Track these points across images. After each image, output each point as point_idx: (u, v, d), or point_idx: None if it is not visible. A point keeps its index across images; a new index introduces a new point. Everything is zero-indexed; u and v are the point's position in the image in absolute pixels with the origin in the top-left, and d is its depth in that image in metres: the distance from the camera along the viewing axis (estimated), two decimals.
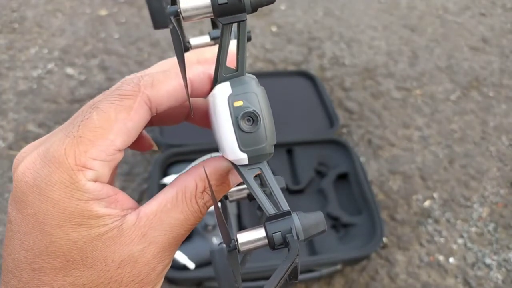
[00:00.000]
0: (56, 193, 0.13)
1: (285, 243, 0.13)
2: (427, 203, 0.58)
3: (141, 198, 0.57)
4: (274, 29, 0.89)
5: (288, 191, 0.54)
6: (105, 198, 0.14)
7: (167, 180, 0.53)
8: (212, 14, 0.12)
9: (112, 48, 0.81)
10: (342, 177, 0.56)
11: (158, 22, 0.11)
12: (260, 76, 0.72)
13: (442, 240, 0.54)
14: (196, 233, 0.47)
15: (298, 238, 0.13)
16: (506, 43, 0.89)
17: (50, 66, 0.76)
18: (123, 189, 0.57)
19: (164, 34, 0.86)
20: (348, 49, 0.84)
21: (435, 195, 0.59)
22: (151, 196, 0.51)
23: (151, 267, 0.14)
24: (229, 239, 0.13)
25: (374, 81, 0.78)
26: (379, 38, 0.88)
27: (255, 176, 0.14)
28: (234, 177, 0.15)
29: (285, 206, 0.13)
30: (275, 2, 0.99)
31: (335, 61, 0.81)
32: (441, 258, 0.52)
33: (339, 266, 0.46)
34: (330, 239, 0.49)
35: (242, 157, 0.13)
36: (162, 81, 0.14)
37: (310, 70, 0.77)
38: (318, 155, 0.58)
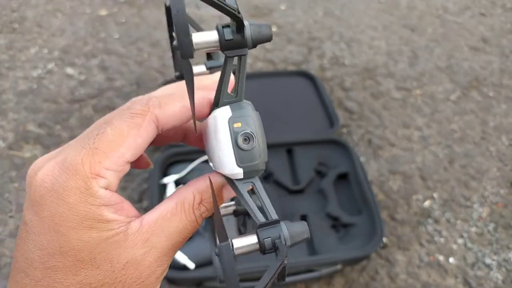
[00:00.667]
0: (72, 197, 0.14)
1: (274, 248, 0.14)
2: (427, 203, 0.58)
3: (141, 198, 0.57)
4: (274, 29, 0.89)
5: (288, 191, 0.54)
6: (113, 205, 0.15)
7: (167, 180, 0.53)
8: (219, 48, 0.14)
9: (112, 48, 0.81)
10: (342, 177, 0.56)
11: (186, 53, 0.13)
12: (260, 76, 0.72)
13: (442, 240, 0.54)
14: (196, 234, 0.47)
15: (285, 244, 0.14)
16: (506, 43, 0.89)
17: (50, 66, 0.76)
18: (123, 189, 0.57)
19: (164, 36, 0.86)
20: (348, 49, 0.84)
21: (435, 195, 0.59)
22: (151, 196, 0.51)
23: (151, 270, 0.15)
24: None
25: (374, 81, 0.78)
26: (379, 38, 0.88)
27: (247, 191, 0.15)
28: (228, 192, 0.17)
29: (274, 216, 0.15)
30: (275, 2, 0.98)
31: (335, 61, 0.81)
32: (441, 258, 0.52)
33: (339, 266, 0.46)
34: (330, 239, 0.49)
35: (238, 172, 0.15)
36: (168, 103, 0.16)
37: (310, 70, 0.77)
38: (318, 155, 0.58)
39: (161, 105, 0.16)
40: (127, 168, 0.15)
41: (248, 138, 0.15)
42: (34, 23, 0.85)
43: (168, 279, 0.45)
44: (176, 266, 0.44)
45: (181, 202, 0.16)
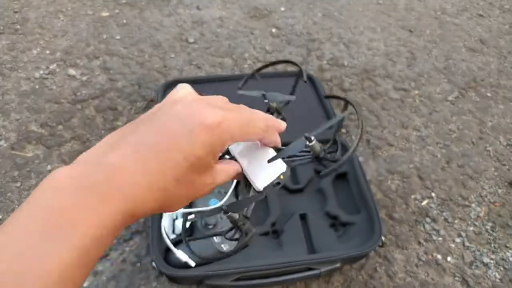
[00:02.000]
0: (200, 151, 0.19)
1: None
2: (425, 203, 0.59)
3: None
4: (273, 30, 0.90)
5: (288, 191, 0.55)
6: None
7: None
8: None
9: (114, 49, 0.81)
10: (341, 176, 0.56)
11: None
12: (260, 77, 0.73)
13: (440, 239, 0.54)
14: (197, 232, 0.47)
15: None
16: (504, 44, 0.90)
17: (52, 67, 0.76)
18: None
19: (165, 37, 0.86)
20: (347, 50, 0.85)
21: (433, 194, 0.60)
22: None
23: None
24: None
25: (373, 82, 0.78)
26: (377, 39, 0.89)
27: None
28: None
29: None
30: (275, 4, 0.99)
31: (334, 62, 0.82)
32: (439, 256, 0.52)
33: (338, 265, 0.46)
34: (329, 238, 0.49)
35: (260, 188, 0.23)
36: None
37: (309, 71, 0.78)
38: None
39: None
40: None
41: (279, 183, 0.23)
42: (36, 24, 0.86)
43: (169, 277, 0.46)
44: (176, 264, 0.45)
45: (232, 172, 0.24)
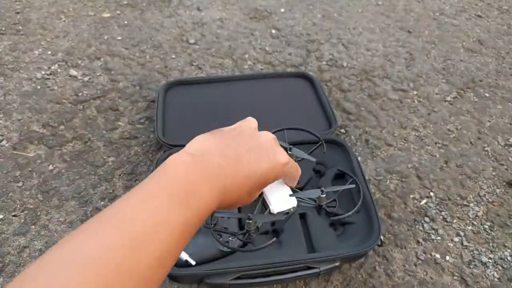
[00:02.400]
0: (271, 174, 0.26)
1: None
2: (423, 202, 0.59)
3: None
4: (273, 31, 0.90)
5: None
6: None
7: None
8: None
9: (115, 49, 0.82)
10: (341, 176, 0.57)
11: None
12: (260, 77, 0.73)
13: (438, 238, 0.55)
14: (198, 231, 0.48)
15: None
16: (502, 44, 0.91)
17: (54, 67, 0.77)
18: (126, 188, 0.58)
19: (166, 38, 0.87)
20: (346, 51, 0.86)
21: (432, 194, 0.60)
22: None
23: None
24: None
25: (372, 83, 0.79)
26: (376, 40, 0.89)
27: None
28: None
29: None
30: (275, 5, 1.00)
31: (333, 63, 0.83)
32: (437, 256, 0.53)
33: (337, 264, 0.47)
34: (329, 237, 0.50)
35: (275, 211, 0.29)
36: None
37: (308, 71, 0.78)
38: (316, 155, 0.59)
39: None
40: None
41: (288, 213, 0.29)
42: (37, 25, 0.86)
43: (169, 276, 0.46)
44: (177, 263, 0.45)
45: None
